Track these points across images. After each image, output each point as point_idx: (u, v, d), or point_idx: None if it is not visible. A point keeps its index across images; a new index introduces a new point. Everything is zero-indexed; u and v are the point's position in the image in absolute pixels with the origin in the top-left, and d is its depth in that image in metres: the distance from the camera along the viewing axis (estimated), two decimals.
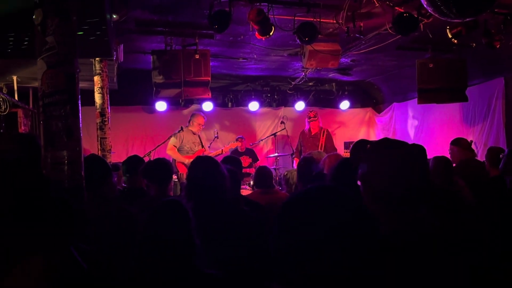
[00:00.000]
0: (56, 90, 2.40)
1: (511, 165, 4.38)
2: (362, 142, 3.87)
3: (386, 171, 1.67)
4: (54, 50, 2.39)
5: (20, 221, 1.70)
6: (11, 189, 1.76)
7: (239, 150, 10.01)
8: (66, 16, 2.44)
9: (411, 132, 10.82)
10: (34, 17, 2.42)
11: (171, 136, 8.45)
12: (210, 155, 8.33)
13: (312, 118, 9.52)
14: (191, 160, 8.30)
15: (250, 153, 10.17)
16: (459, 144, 5.55)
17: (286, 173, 6.62)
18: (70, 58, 2.46)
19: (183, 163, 8.19)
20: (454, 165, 4.72)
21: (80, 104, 2.58)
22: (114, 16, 5.06)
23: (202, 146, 8.67)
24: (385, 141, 1.80)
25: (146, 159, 6.45)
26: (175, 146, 8.35)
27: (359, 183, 1.80)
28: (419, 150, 1.76)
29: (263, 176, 4.76)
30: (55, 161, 2.44)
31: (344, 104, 11.70)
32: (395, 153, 1.69)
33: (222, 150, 8.91)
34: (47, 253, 1.72)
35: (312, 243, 1.27)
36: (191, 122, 8.60)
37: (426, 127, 10.31)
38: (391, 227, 1.68)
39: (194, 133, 8.56)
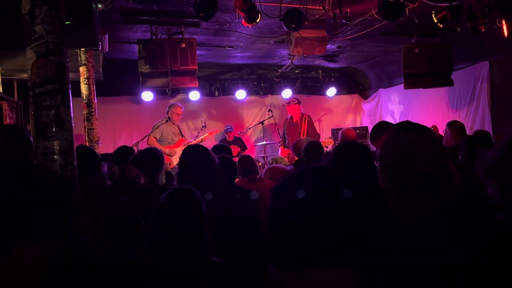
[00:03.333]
0: (46, 80, 2.38)
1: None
2: (383, 124, 3.94)
3: (403, 153, 1.69)
4: (43, 39, 2.36)
5: (18, 211, 1.69)
6: (8, 181, 1.75)
7: (227, 139, 10.02)
8: (54, 5, 2.40)
9: (397, 117, 10.89)
10: (22, 6, 2.38)
11: (154, 127, 8.47)
12: (191, 143, 8.36)
13: (286, 104, 9.56)
14: (172, 149, 8.35)
15: (239, 142, 10.19)
16: (453, 128, 5.59)
17: (271, 161, 6.67)
18: (59, 47, 2.43)
19: (164, 153, 8.16)
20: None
21: (70, 94, 2.57)
22: (99, 6, 5.01)
23: (182, 136, 8.67)
24: (406, 124, 1.83)
25: (135, 149, 6.43)
26: (155, 138, 8.35)
27: (376, 163, 1.84)
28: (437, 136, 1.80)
29: (247, 163, 4.77)
30: (47, 152, 2.42)
31: (331, 91, 11.72)
32: (414, 136, 1.72)
33: (202, 138, 8.89)
34: (45, 240, 1.72)
35: (304, 223, 1.29)
36: (169, 113, 8.58)
37: (412, 112, 10.38)
38: (400, 207, 1.71)
39: (173, 123, 8.56)
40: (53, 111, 2.42)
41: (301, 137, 8.39)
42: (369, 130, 10.95)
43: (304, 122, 9.30)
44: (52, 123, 2.42)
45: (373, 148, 3.76)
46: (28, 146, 2.89)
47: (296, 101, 9.42)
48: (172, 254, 2.11)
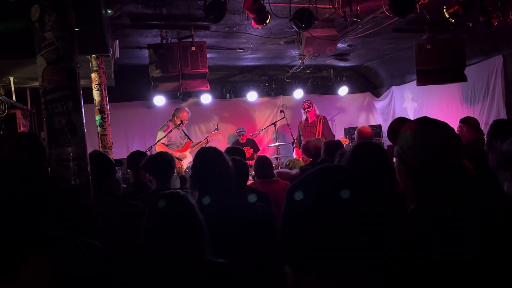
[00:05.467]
0: (58, 86, 2.38)
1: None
2: (400, 120, 3.89)
3: (422, 149, 1.67)
4: (53, 46, 2.36)
5: (28, 220, 1.69)
6: (17, 189, 1.74)
7: (240, 142, 10.00)
8: (63, 11, 2.40)
9: (411, 114, 10.79)
10: (31, 13, 2.38)
11: (158, 132, 8.48)
12: (198, 146, 8.38)
13: (306, 109, 9.55)
14: (182, 153, 8.35)
15: (251, 143, 10.17)
16: (469, 124, 5.53)
17: (288, 162, 6.62)
18: (70, 53, 2.44)
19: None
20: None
21: (82, 100, 2.56)
22: (109, 12, 5.03)
23: (189, 138, 8.67)
24: (423, 120, 1.81)
25: (148, 153, 6.44)
26: (163, 143, 8.33)
27: (394, 159, 1.82)
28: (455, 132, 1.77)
29: (263, 165, 4.74)
30: (61, 158, 2.42)
31: (343, 90, 11.66)
32: (432, 132, 1.70)
33: (207, 139, 8.89)
34: (55, 249, 1.71)
35: (321, 226, 1.26)
36: (175, 117, 8.58)
37: (425, 109, 10.29)
38: (419, 203, 1.68)
39: (178, 128, 8.55)
40: (65, 118, 2.41)
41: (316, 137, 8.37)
42: (383, 128, 10.90)
43: (320, 123, 9.30)
44: (65, 130, 2.41)
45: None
46: (42, 153, 2.89)
47: (311, 108, 9.44)
48: (168, 261, 2.08)
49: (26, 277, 1.62)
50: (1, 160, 2.69)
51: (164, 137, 8.33)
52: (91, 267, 1.86)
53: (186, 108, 8.83)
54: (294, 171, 5.37)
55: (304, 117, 9.58)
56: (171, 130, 8.38)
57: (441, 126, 1.74)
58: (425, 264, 1.54)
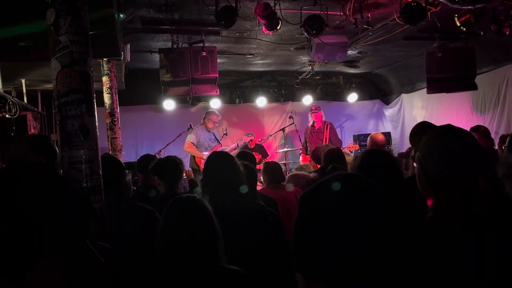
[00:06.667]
0: (71, 89, 2.40)
1: None
2: (423, 125, 3.85)
3: (443, 157, 1.67)
4: (68, 50, 2.39)
5: (38, 221, 1.69)
6: (29, 190, 1.75)
7: (249, 147, 10.01)
8: (78, 15, 2.43)
9: None
10: (46, 17, 2.41)
11: (188, 134, 8.61)
12: (228, 150, 8.44)
13: (313, 111, 9.52)
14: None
15: (260, 149, 10.16)
16: (480, 132, 5.51)
17: (297, 166, 6.61)
18: (84, 56, 2.46)
19: (202, 159, 8.30)
20: None
21: (95, 103, 2.58)
22: (121, 16, 5.06)
23: (218, 142, 8.75)
24: (445, 127, 1.80)
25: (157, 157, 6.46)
26: (193, 143, 8.46)
27: (415, 165, 1.82)
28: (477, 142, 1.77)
29: (273, 171, 4.73)
30: (73, 161, 2.44)
31: (352, 97, 11.64)
32: (454, 141, 1.70)
33: (237, 144, 9.01)
34: (66, 250, 1.72)
35: (333, 231, 1.26)
36: (206, 119, 8.72)
37: (435, 117, 10.24)
38: (438, 211, 1.68)
39: (208, 131, 8.65)
40: (78, 121, 2.44)
41: (324, 143, 8.38)
42: (392, 135, 10.87)
43: (326, 129, 9.28)
44: (78, 132, 2.43)
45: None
46: (54, 155, 2.91)
47: (320, 108, 9.44)
48: (184, 267, 2.08)
49: (36, 278, 1.63)
50: (14, 161, 2.71)
51: (189, 134, 8.65)
52: (101, 269, 1.87)
53: (216, 111, 8.95)
54: (312, 175, 5.35)
55: (310, 122, 9.56)
56: (191, 127, 8.70)
57: (464, 134, 1.74)
58: (436, 272, 1.53)
